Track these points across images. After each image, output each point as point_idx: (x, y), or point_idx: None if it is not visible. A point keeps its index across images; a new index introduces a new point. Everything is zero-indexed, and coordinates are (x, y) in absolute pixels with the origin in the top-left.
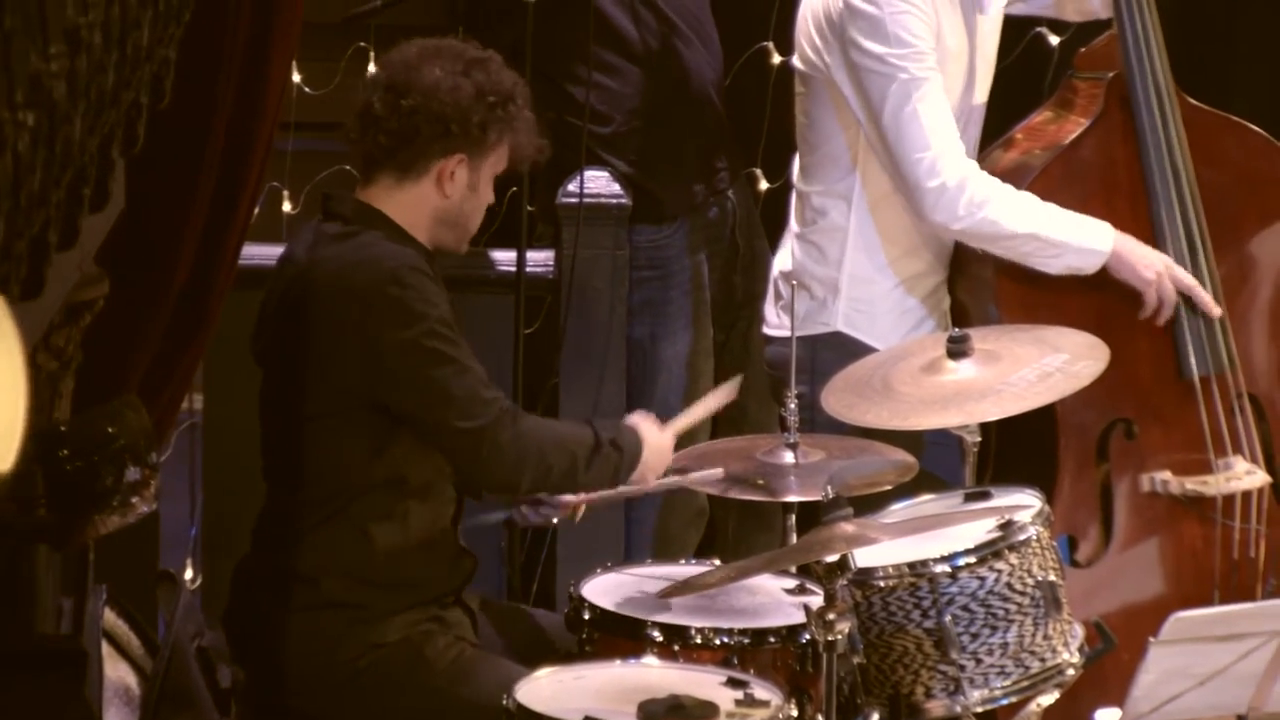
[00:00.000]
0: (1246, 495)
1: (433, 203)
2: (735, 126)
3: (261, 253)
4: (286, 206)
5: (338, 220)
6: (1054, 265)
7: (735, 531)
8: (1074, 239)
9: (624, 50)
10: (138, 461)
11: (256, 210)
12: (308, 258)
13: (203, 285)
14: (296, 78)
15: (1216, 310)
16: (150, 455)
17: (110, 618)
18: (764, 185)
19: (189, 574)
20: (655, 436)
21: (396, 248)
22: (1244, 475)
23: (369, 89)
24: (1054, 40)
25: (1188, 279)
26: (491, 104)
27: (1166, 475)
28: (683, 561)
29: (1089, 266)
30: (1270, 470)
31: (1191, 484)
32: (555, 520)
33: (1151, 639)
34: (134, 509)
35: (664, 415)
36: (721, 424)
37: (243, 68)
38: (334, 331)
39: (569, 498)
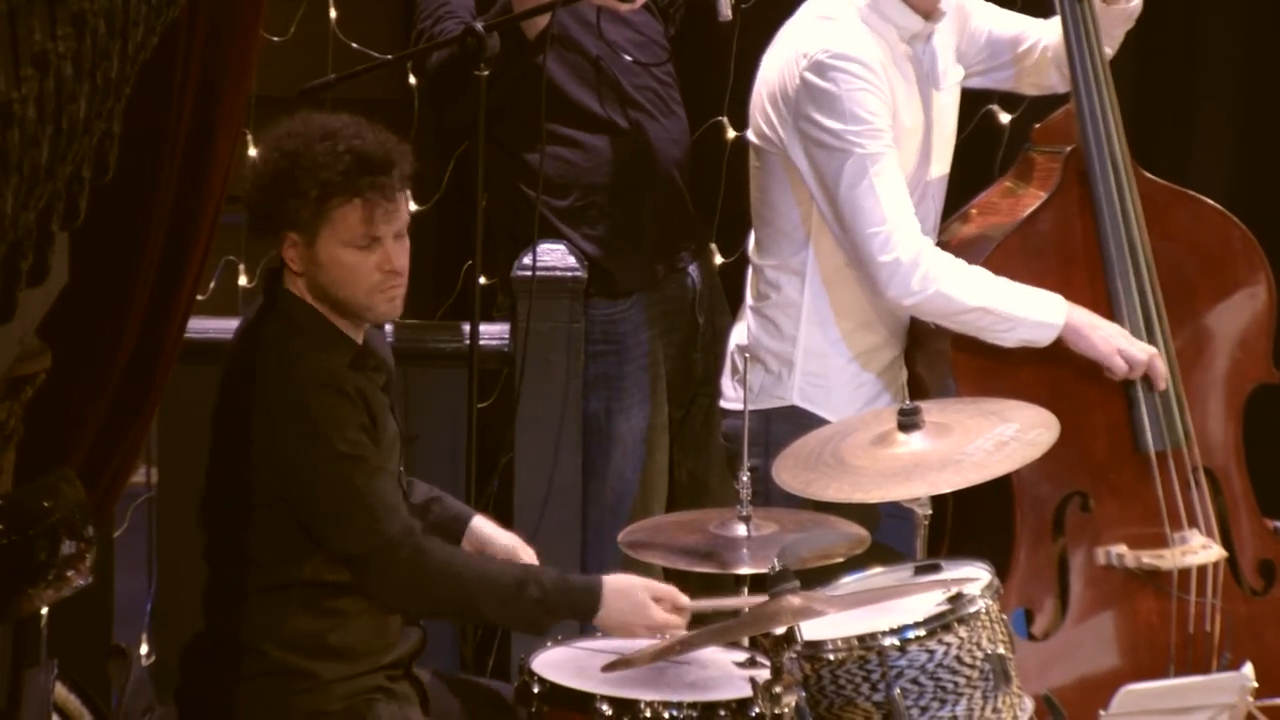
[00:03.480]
0: (1202, 569)
1: (300, 282)
2: (694, 201)
3: (217, 326)
4: (243, 280)
5: (268, 309)
6: (1008, 339)
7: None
8: (1027, 313)
9: (586, 124)
10: (73, 536)
11: (213, 284)
12: (237, 343)
13: (148, 360)
14: (253, 151)
15: (1162, 384)
16: (86, 529)
17: (62, 692)
18: (719, 260)
19: (144, 648)
20: (623, 591)
21: (314, 357)
22: (1200, 549)
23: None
24: (1005, 118)
25: (1145, 349)
26: (300, 177)
27: (1122, 549)
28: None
29: (1043, 339)
30: (1226, 544)
31: (1147, 558)
32: None
33: (1102, 712)
34: (69, 582)
35: (619, 488)
36: (682, 498)
37: (188, 142)
38: (244, 430)
39: None
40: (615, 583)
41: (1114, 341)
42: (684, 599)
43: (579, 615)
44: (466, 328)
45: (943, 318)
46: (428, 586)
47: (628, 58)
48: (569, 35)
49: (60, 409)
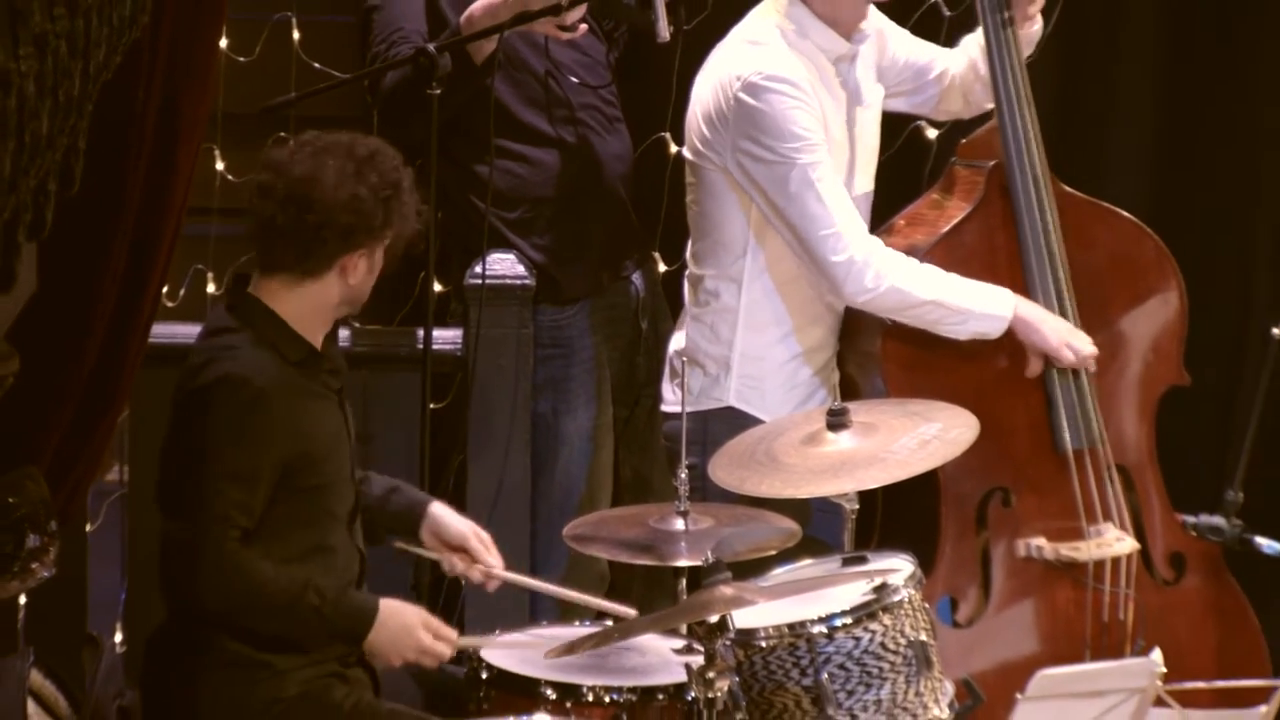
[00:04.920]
0: (1116, 561)
1: (337, 292)
2: (638, 212)
3: (185, 331)
4: (211, 288)
5: (228, 307)
6: (961, 331)
7: (641, 595)
8: (978, 305)
9: (534, 141)
10: (37, 530)
11: (183, 291)
12: (202, 358)
13: (114, 364)
14: (220, 165)
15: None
16: (50, 524)
17: (37, 678)
18: (662, 268)
19: (118, 636)
20: (398, 615)
21: (260, 359)
22: (1114, 542)
23: (267, 199)
24: (932, 133)
25: (1086, 341)
26: (387, 199)
27: (1041, 541)
28: (576, 623)
29: (994, 331)
30: (1139, 538)
31: (1065, 550)
32: (477, 580)
33: (1019, 695)
34: (34, 574)
35: (566, 485)
36: (626, 495)
37: (151, 157)
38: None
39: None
40: (391, 606)
41: (1062, 334)
42: (450, 632)
43: (355, 629)
44: (422, 333)
45: (897, 312)
46: (229, 584)
47: (574, 79)
48: (519, 57)
49: (28, 411)
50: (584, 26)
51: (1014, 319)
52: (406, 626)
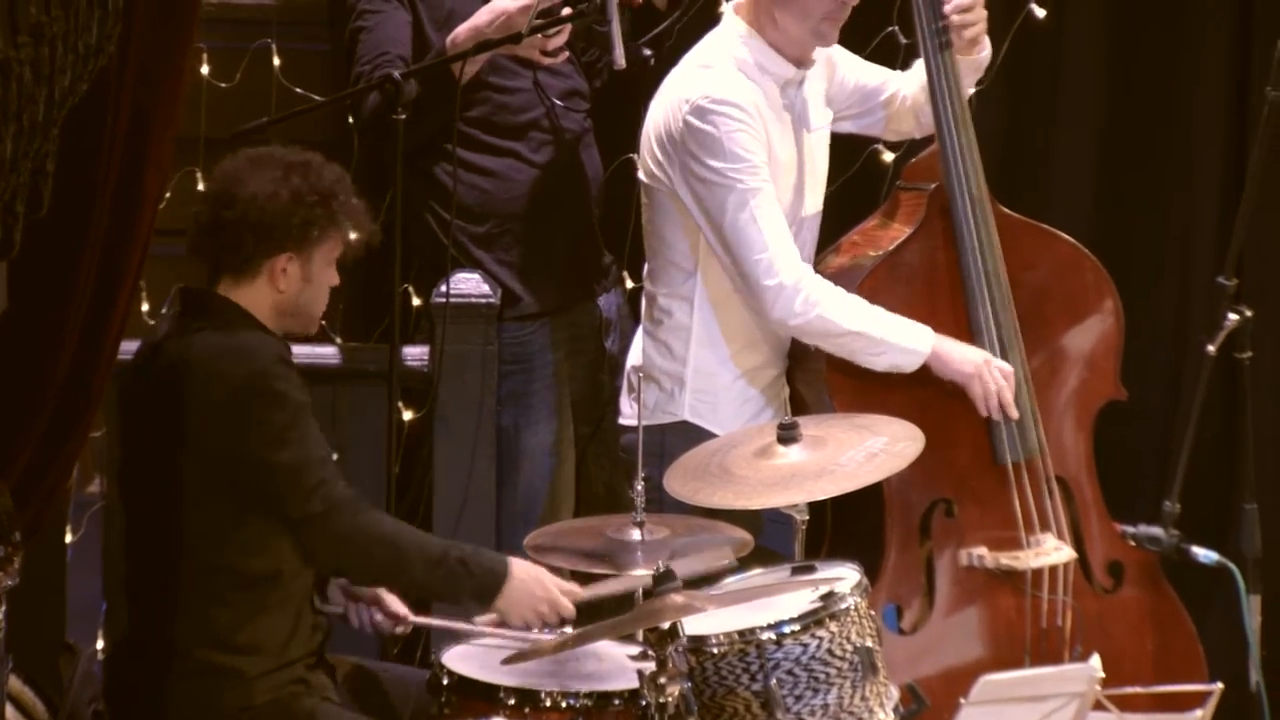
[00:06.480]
0: (1054, 570)
1: (270, 298)
2: (607, 232)
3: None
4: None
5: (199, 313)
6: (878, 362)
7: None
8: (897, 339)
9: (508, 158)
10: (1, 540)
11: (164, 310)
12: (177, 349)
13: (83, 380)
14: (202, 187)
15: (1014, 412)
16: (13, 535)
17: (16, 684)
18: (629, 285)
19: (100, 643)
20: (528, 572)
21: (264, 336)
22: (1052, 551)
23: (199, 203)
24: (888, 156)
25: (1005, 369)
26: (311, 204)
27: (983, 551)
28: (535, 631)
29: (909, 365)
30: (1077, 547)
31: (1005, 559)
32: (388, 630)
33: (962, 699)
34: None
35: (529, 497)
36: (600, 507)
37: (119, 179)
38: (205, 413)
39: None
40: (518, 560)
41: (977, 366)
42: (573, 585)
43: (492, 582)
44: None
45: (820, 339)
46: (365, 547)
47: (560, 102)
48: (503, 84)
49: None
50: (565, 54)
51: (930, 355)
52: (538, 578)
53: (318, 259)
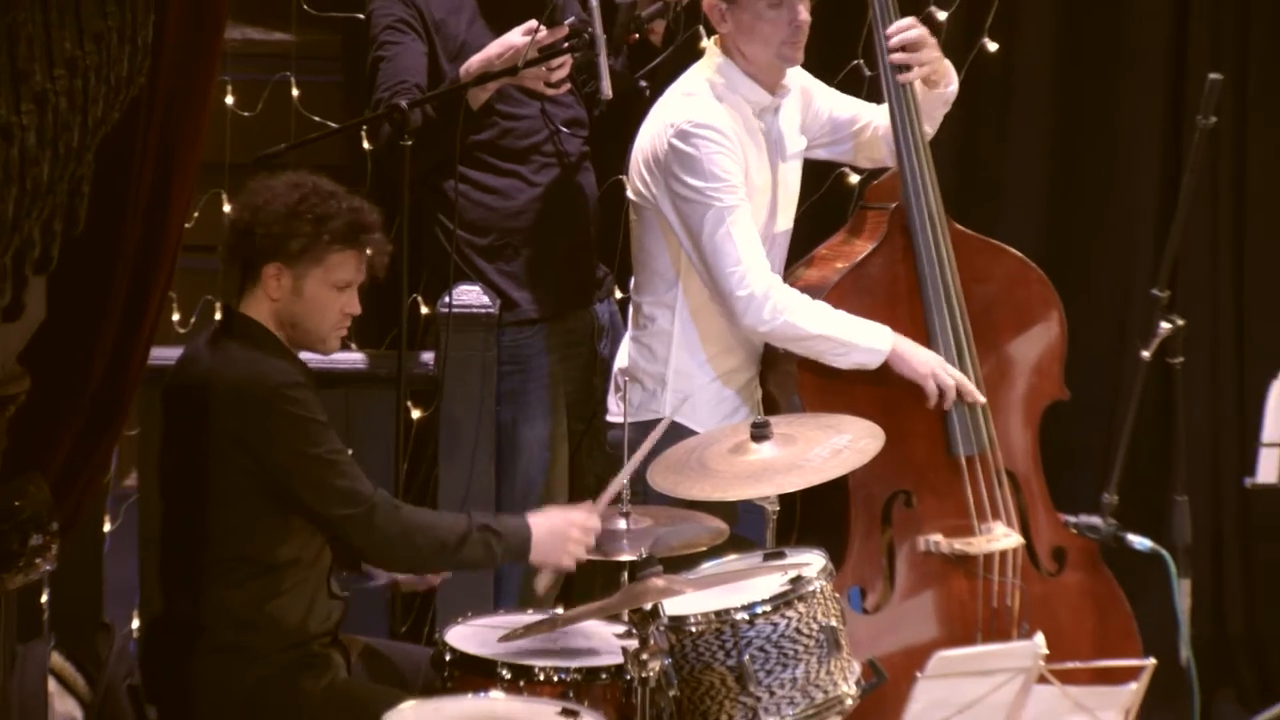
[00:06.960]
0: (1004, 554)
1: (269, 306)
2: (600, 246)
3: (161, 354)
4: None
5: (228, 331)
6: (843, 362)
7: (601, 587)
8: (859, 340)
9: (513, 178)
10: (40, 529)
11: (193, 319)
12: (210, 362)
13: (115, 385)
14: (227, 208)
15: (981, 398)
16: (51, 524)
17: (58, 660)
18: (618, 295)
19: (135, 624)
20: (546, 521)
21: (280, 363)
22: (1002, 538)
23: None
24: (854, 179)
25: (955, 374)
26: (304, 221)
27: (939, 537)
28: (529, 611)
29: (872, 363)
30: (1025, 534)
31: (959, 545)
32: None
33: (919, 674)
34: (37, 569)
35: (526, 488)
36: (579, 494)
37: (148, 201)
38: (232, 432)
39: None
40: (533, 515)
41: (930, 366)
42: (588, 518)
43: (521, 544)
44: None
45: (790, 343)
46: (409, 537)
47: (564, 130)
48: (511, 111)
49: (40, 425)
50: (567, 85)
51: (891, 353)
52: (556, 519)
53: (310, 278)
